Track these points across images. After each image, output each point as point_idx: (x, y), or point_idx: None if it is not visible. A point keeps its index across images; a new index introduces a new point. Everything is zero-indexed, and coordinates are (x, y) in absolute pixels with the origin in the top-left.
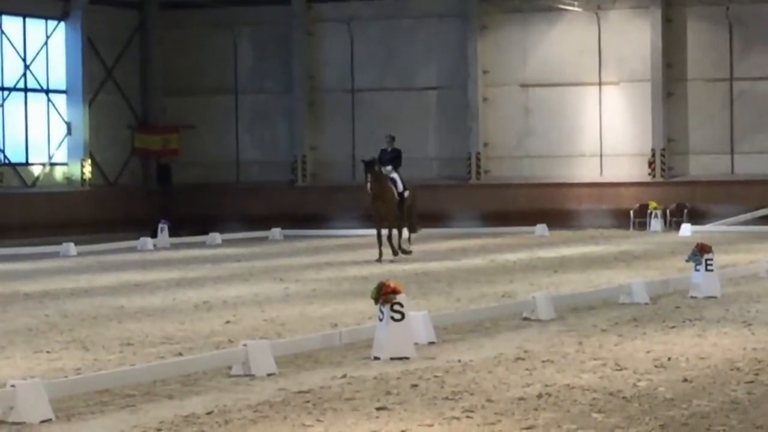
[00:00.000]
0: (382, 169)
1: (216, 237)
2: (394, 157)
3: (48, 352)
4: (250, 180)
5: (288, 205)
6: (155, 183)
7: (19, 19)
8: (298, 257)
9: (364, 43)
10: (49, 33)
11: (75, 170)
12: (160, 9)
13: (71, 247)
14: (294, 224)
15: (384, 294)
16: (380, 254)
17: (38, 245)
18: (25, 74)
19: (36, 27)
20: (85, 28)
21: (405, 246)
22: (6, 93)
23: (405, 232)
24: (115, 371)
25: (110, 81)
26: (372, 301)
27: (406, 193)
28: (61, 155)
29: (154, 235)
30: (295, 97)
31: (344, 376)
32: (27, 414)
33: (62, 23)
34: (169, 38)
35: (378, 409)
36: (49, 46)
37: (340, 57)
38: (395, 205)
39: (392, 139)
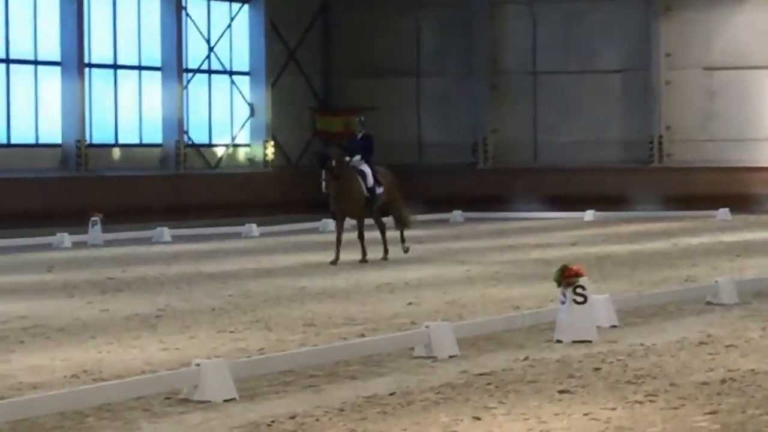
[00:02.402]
0: (350, 159)
1: None
2: (365, 146)
3: (231, 332)
4: (431, 162)
5: (469, 187)
6: None
7: (204, 2)
8: (480, 240)
9: (547, 26)
10: (232, 15)
11: (257, 151)
12: None
13: (254, 228)
14: (475, 206)
15: (567, 277)
16: (336, 255)
17: (221, 226)
18: (209, 56)
19: (220, 9)
20: (268, 10)
21: (403, 248)
22: (190, 75)
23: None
24: (299, 351)
25: (293, 63)
26: (554, 284)
27: (379, 190)
28: (243, 136)
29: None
30: (477, 79)
31: (526, 358)
32: (211, 393)
33: (246, 6)
34: (352, 20)
35: (561, 392)
36: (232, 29)
37: (522, 39)
38: (362, 203)
39: (361, 123)
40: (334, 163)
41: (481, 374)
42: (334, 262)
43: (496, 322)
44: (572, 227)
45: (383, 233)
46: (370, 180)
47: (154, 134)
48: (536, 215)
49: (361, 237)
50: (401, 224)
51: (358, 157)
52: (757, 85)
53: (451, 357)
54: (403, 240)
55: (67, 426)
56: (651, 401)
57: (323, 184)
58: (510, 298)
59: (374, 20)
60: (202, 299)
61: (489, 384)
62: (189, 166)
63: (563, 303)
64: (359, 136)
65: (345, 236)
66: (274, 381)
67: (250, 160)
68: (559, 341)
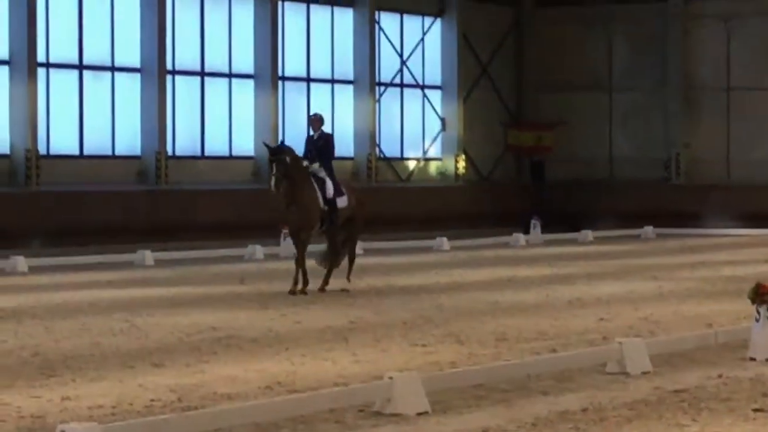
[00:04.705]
0: (309, 165)
1: (588, 234)
2: (322, 147)
3: (424, 345)
4: (622, 177)
5: (661, 202)
6: (528, 179)
7: (397, 16)
8: (671, 256)
9: (742, 41)
10: (425, 29)
11: (449, 165)
12: (536, 6)
13: (444, 242)
14: (667, 222)
15: (761, 294)
16: (295, 281)
17: (412, 239)
18: (401, 70)
19: (413, 23)
20: (460, 24)
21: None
22: (383, 88)
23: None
24: (491, 366)
25: (484, 77)
26: (748, 302)
27: (341, 202)
28: (435, 150)
29: (526, 231)
30: (669, 94)
31: (720, 376)
32: (404, 406)
33: (438, 20)
34: (544, 36)
35: (755, 410)
36: (425, 43)
37: (716, 55)
38: (317, 215)
39: (320, 120)
40: (288, 159)
41: (674, 391)
42: (293, 291)
43: (689, 339)
44: (765, 244)
45: (351, 258)
46: (330, 190)
47: (345, 147)
48: (727, 232)
49: (301, 259)
50: (349, 252)
51: (316, 165)
52: None
53: (643, 373)
54: (326, 279)
55: None
56: None
57: (272, 180)
58: (702, 314)
59: (566, 35)
60: (394, 312)
61: (682, 401)
62: (380, 179)
63: (757, 321)
64: (316, 135)
65: (535, 250)
66: (466, 395)
67: (441, 174)
68: (752, 359)
